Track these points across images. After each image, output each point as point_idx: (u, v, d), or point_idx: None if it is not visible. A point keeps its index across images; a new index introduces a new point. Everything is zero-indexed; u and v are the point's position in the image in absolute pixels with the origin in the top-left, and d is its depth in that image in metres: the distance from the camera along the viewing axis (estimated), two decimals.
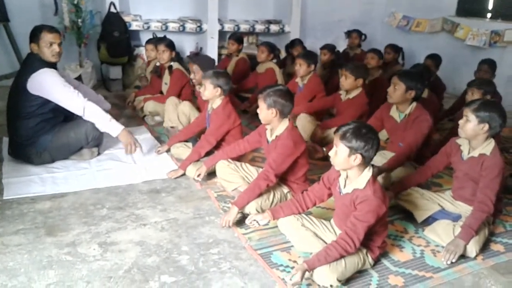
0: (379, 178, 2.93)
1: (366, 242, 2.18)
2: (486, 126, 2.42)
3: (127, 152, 3.25)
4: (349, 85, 3.75)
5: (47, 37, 3.06)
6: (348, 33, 6.03)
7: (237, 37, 5.30)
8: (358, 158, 2.04)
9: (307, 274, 2.02)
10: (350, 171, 2.13)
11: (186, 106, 3.93)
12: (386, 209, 2.12)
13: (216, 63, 5.81)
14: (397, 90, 3.15)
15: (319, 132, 3.80)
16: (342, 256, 2.05)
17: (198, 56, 4.33)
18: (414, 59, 5.32)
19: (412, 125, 3.17)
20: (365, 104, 3.78)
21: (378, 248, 2.26)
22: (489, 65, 4.46)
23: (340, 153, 2.07)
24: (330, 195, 2.37)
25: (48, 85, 3.05)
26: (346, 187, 2.17)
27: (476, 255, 2.38)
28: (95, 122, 3.19)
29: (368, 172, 2.10)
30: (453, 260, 2.31)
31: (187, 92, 4.29)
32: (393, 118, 3.31)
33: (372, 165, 2.17)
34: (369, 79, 4.80)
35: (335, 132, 2.12)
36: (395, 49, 5.45)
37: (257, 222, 2.38)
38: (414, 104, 3.20)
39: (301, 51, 5.48)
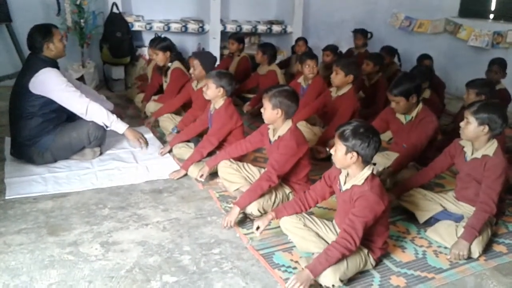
0: (388, 180, 2.96)
1: (367, 243, 2.18)
2: (486, 128, 2.42)
3: (141, 148, 3.32)
4: (339, 80, 3.70)
5: (57, 32, 3.16)
6: (354, 33, 6.04)
7: (237, 36, 5.34)
8: (354, 156, 2.07)
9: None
10: (350, 169, 2.15)
11: None
12: (385, 207, 2.11)
13: (218, 63, 5.83)
14: (399, 102, 3.13)
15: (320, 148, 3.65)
16: (343, 255, 2.04)
17: (201, 52, 4.31)
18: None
19: (417, 126, 3.17)
20: (355, 101, 3.73)
21: (380, 249, 2.25)
22: (499, 65, 4.38)
23: (338, 151, 2.12)
24: (331, 193, 2.37)
25: (51, 84, 3.05)
26: (346, 184, 2.18)
27: (479, 256, 2.38)
28: (99, 122, 3.20)
29: (367, 170, 2.11)
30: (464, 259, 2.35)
31: (186, 91, 4.26)
32: (398, 120, 3.31)
33: (374, 164, 2.18)
34: (370, 82, 4.80)
35: (335, 132, 2.16)
36: (390, 51, 5.47)
37: (259, 227, 2.37)
38: (420, 106, 3.20)
39: (304, 49, 5.49)
